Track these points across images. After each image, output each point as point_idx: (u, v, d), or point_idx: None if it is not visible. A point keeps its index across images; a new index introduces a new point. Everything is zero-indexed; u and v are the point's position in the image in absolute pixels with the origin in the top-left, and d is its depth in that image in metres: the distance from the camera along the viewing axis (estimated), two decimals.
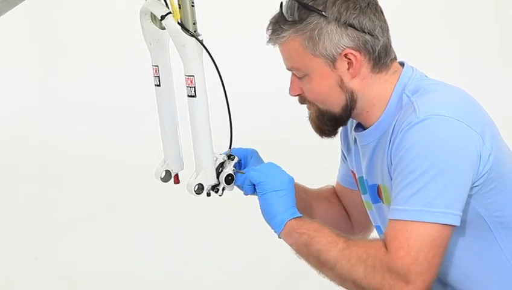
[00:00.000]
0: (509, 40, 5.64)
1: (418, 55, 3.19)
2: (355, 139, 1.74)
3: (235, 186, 1.72)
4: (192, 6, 1.61)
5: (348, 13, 1.58)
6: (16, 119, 5.27)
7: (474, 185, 1.55)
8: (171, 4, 1.59)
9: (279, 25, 1.60)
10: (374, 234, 1.84)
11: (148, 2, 1.65)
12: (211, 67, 1.63)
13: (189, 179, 1.68)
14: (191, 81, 1.61)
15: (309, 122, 1.70)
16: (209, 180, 1.68)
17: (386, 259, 1.48)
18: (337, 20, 1.58)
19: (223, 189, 1.71)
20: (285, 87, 1.68)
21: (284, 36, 1.60)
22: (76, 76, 5.60)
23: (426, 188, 1.49)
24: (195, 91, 1.62)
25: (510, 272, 1.63)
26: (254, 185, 1.66)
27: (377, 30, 1.60)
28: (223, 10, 5.41)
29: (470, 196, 1.56)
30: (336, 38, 1.58)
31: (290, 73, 1.67)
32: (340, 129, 1.73)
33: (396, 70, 1.65)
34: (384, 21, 1.63)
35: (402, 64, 1.68)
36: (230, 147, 1.73)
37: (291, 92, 1.67)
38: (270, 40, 1.63)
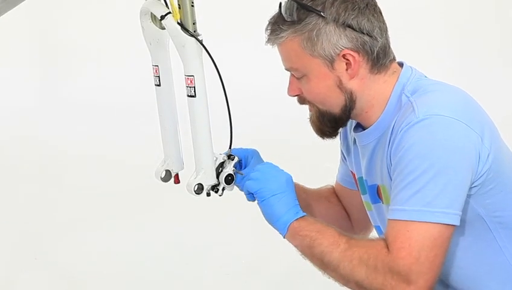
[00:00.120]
0: (509, 40, 5.64)
1: (418, 56, 3.19)
2: (354, 139, 1.74)
3: (235, 186, 1.72)
4: (192, 6, 1.61)
5: (347, 14, 1.58)
6: (15, 119, 5.27)
7: (473, 185, 1.55)
8: (170, 4, 1.59)
9: (277, 25, 1.61)
10: (374, 234, 1.84)
11: (148, 2, 1.65)
12: (211, 67, 1.63)
13: (189, 179, 1.68)
14: (191, 81, 1.61)
15: (310, 124, 1.70)
16: (209, 180, 1.68)
17: (388, 260, 1.49)
18: (336, 21, 1.58)
19: (223, 189, 1.71)
20: (285, 87, 1.68)
21: (282, 36, 1.60)
22: (76, 76, 5.60)
23: (426, 188, 1.49)
24: (195, 91, 1.62)
25: (510, 272, 1.63)
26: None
27: (375, 31, 1.60)
28: (223, 10, 5.41)
29: (469, 196, 1.56)
30: (334, 39, 1.58)
31: (289, 73, 1.67)
32: (340, 129, 1.73)
33: (395, 71, 1.65)
34: (383, 22, 1.63)
35: (401, 64, 1.68)
36: (230, 147, 1.73)
37: (290, 93, 1.67)
38: (268, 40, 1.63)
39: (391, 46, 1.65)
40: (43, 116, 5.32)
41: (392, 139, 1.58)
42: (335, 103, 1.63)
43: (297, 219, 1.62)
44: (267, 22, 1.63)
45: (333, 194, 1.94)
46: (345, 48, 1.59)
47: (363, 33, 1.59)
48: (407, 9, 5.43)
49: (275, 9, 1.62)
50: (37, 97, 5.53)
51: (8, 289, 3.32)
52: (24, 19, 5.32)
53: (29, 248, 3.62)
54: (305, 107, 1.70)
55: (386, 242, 1.51)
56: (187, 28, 1.59)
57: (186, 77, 1.61)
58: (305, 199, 1.83)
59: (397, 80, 1.64)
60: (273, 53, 1.68)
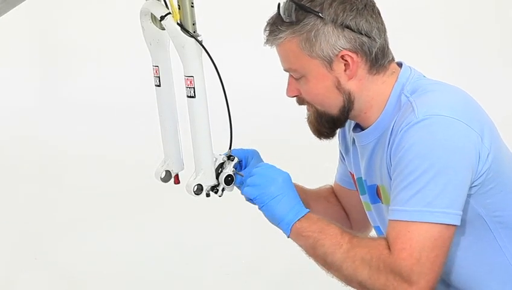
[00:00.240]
0: (509, 40, 5.64)
1: (417, 56, 3.19)
2: (353, 140, 1.74)
3: (234, 187, 1.72)
4: (192, 7, 1.61)
5: (345, 15, 1.58)
6: (16, 119, 5.27)
7: (473, 184, 1.55)
8: (170, 5, 1.59)
9: (276, 26, 1.61)
10: (373, 233, 1.84)
11: (148, 3, 1.65)
12: (211, 67, 1.63)
13: (188, 179, 1.68)
14: (191, 82, 1.61)
15: (307, 124, 1.70)
16: (209, 180, 1.68)
17: (390, 260, 1.49)
18: (334, 22, 1.58)
19: (223, 189, 1.71)
20: (284, 88, 1.68)
21: (281, 37, 1.60)
22: (76, 76, 5.60)
23: (426, 189, 1.49)
24: (194, 92, 1.61)
25: (510, 271, 1.63)
26: None
27: (374, 32, 1.60)
28: (223, 10, 5.41)
29: (469, 195, 1.56)
30: (333, 39, 1.58)
31: (288, 74, 1.67)
32: (338, 130, 1.73)
33: (394, 72, 1.65)
34: (382, 23, 1.63)
35: (400, 64, 1.68)
36: (230, 148, 1.73)
37: (289, 93, 1.67)
38: (267, 41, 1.63)
39: (390, 46, 1.65)
40: (43, 116, 5.32)
41: (391, 139, 1.58)
42: (333, 104, 1.63)
43: (299, 219, 1.61)
44: (266, 23, 1.63)
45: (332, 194, 1.94)
46: (344, 48, 1.59)
47: (362, 34, 1.59)
48: (407, 10, 5.43)
49: (274, 10, 1.62)
50: (37, 97, 5.53)
51: (8, 289, 3.32)
52: (24, 19, 5.32)
53: (29, 248, 3.62)
54: (305, 108, 1.70)
55: (387, 242, 1.51)
56: (187, 28, 1.59)
57: (186, 78, 1.61)
58: (304, 199, 1.82)
59: (396, 80, 1.64)
60: (272, 53, 1.68)
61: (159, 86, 1.73)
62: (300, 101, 1.68)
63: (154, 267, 3.40)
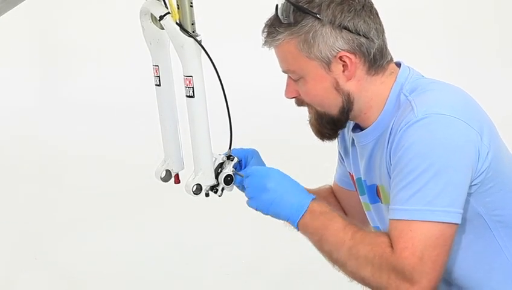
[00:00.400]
0: (508, 41, 5.64)
1: (416, 56, 3.19)
2: (353, 140, 1.74)
3: (234, 187, 1.72)
4: (191, 6, 1.61)
5: (343, 16, 1.58)
6: (16, 119, 5.28)
7: (473, 183, 1.55)
8: (169, 4, 1.59)
9: (274, 27, 1.61)
10: None
11: (147, 2, 1.65)
12: (211, 67, 1.63)
13: (187, 179, 1.69)
14: (190, 82, 1.61)
15: (309, 126, 1.70)
16: (208, 180, 1.68)
17: (392, 259, 1.49)
18: (332, 23, 1.58)
19: (222, 189, 1.71)
20: (284, 88, 1.68)
21: (279, 39, 1.60)
22: (76, 76, 5.61)
23: (426, 187, 1.49)
24: (193, 91, 1.61)
25: (510, 270, 1.63)
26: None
27: (372, 32, 1.60)
28: (222, 10, 5.41)
29: (469, 194, 1.56)
30: (331, 40, 1.58)
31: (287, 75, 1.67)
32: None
33: (392, 72, 1.65)
34: (380, 23, 1.63)
35: (398, 64, 1.68)
36: (230, 148, 1.73)
37: (287, 95, 1.67)
38: (265, 43, 1.63)
39: (389, 47, 1.65)
40: (43, 116, 5.32)
41: (391, 138, 1.58)
42: (333, 105, 1.64)
43: (303, 215, 1.60)
44: (264, 25, 1.63)
45: (331, 194, 1.94)
46: (342, 49, 1.59)
47: (360, 35, 1.59)
48: (405, 10, 5.44)
49: (273, 11, 1.62)
50: (37, 97, 5.53)
51: (8, 289, 3.32)
52: (24, 19, 5.32)
53: (29, 248, 3.62)
54: (305, 108, 1.70)
55: (390, 240, 1.51)
56: (186, 28, 1.59)
57: (185, 78, 1.61)
58: None
59: (395, 80, 1.64)
60: (272, 53, 1.68)
61: (159, 85, 1.73)
62: (299, 102, 1.68)
63: (154, 267, 3.40)
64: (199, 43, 1.60)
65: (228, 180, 1.70)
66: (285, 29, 1.59)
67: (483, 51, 5.55)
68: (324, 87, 1.62)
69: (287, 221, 1.63)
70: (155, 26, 1.67)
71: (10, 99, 5.45)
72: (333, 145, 1.85)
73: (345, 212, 1.93)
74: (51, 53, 5.74)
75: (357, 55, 1.60)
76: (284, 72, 1.66)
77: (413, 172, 1.50)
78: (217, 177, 1.69)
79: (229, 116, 1.68)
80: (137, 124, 5.00)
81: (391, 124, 1.60)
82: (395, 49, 1.70)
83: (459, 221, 1.51)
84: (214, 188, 1.70)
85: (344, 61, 1.60)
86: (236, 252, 3.50)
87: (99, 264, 3.45)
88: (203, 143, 1.66)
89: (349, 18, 1.58)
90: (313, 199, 1.61)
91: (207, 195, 1.70)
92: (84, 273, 3.39)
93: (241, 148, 1.76)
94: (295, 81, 1.64)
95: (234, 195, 1.77)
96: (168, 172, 1.77)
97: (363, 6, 1.60)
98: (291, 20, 1.59)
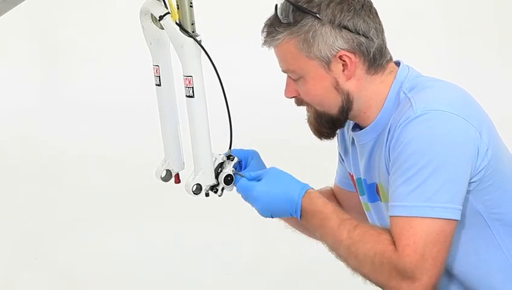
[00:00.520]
0: (508, 41, 5.64)
1: (416, 56, 3.19)
2: (353, 139, 1.75)
3: (234, 187, 1.72)
4: (191, 6, 1.61)
5: (342, 15, 1.58)
6: (16, 119, 5.27)
7: (472, 180, 1.55)
8: (169, 4, 1.59)
9: (273, 27, 1.61)
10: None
11: (147, 2, 1.65)
12: (211, 67, 1.63)
13: (187, 179, 1.69)
14: (189, 82, 1.61)
15: (307, 125, 1.70)
16: (208, 180, 1.68)
17: (394, 257, 1.49)
18: (332, 22, 1.58)
19: (222, 189, 1.71)
20: (284, 88, 1.68)
21: (278, 38, 1.61)
22: (76, 76, 5.60)
23: (426, 184, 1.49)
24: (193, 91, 1.62)
25: (509, 269, 1.63)
26: None
27: (371, 32, 1.61)
28: (222, 10, 5.41)
29: (468, 192, 1.56)
30: (330, 40, 1.59)
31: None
32: (338, 130, 1.73)
33: (392, 71, 1.66)
34: (379, 23, 1.63)
35: (398, 63, 1.68)
36: (230, 148, 1.73)
37: (287, 94, 1.68)
38: (265, 43, 1.64)
39: (389, 46, 1.66)
40: (43, 116, 5.32)
41: (390, 135, 1.58)
42: (332, 104, 1.64)
43: (301, 214, 1.60)
44: (263, 24, 1.64)
45: (332, 196, 1.94)
46: (341, 49, 1.59)
47: (359, 34, 1.59)
48: (405, 10, 5.43)
49: (272, 11, 1.63)
50: (37, 97, 5.52)
51: (8, 289, 3.32)
52: (24, 19, 5.31)
53: (29, 248, 3.62)
54: (305, 108, 1.70)
55: (391, 237, 1.51)
56: (185, 28, 1.60)
57: (185, 77, 1.62)
58: None
59: (395, 78, 1.64)
60: (272, 53, 1.68)
61: (159, 85, 1.73)
62: (299, 101, 1.68)
63: (154, 267, 3.40)
64: (199, 43, 1.60)
65: (228, 180, 1.70)
66: (284, 29, 1.60)
67: (483, 51, 5.54)
68: (324, 87, 1.62)
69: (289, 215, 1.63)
70: (155, 26, 1.67)
71: (10, 99, 5.44)
72: (333, 146, 1.85)
73: None
74: (51, 53, 5.73)
75: (357, 55, 1.60)
76: (284, 71, 1.66)
77: (412, 168, 1.50)
78: (217, 177, 1.69)
79: (229, 116, 1.68)
80: (137, 124, 4.99)
81: (390, 122, 1.60)
82: (395, 49, 1.70)
83: (458, 217, 1.51)
84: (214, 188, 1.70)
85: (344, 61, 1.60)
86: (236, 252, 3.50)
87: (99, 264, 3.45)
88: (203, 143, 1.66)
89: (348, 17, 1.59)
90: (303, 197, 1.61)
91: (207, 195, 1.70)
92: (84, 273, 3.39)
93: (241, 149, 1.76)
94: (295, 80, 1.65)
95: (234, 195, 1.77)
96: (168, 172, 1.77)
97: (362, 6, 1.61)
98: (291, 19, 1.59)
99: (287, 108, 1.89)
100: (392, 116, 1.60)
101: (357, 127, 1.71)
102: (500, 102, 4.72)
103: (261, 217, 1.68)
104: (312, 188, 1.63)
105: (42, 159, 4.76)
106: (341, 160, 1.88)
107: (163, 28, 1.64)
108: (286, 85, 1.67)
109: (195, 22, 1.61)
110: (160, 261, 3.44)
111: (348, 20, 1.59)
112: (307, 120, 1.70)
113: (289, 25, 1.59)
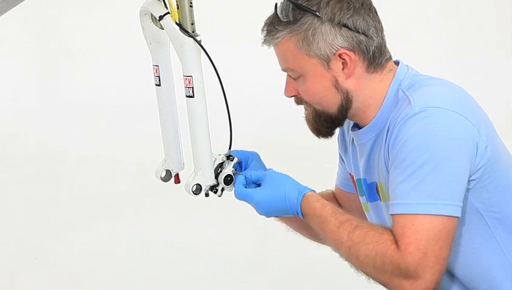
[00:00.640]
0: (508, 40, 5.64)
1: (417, 56, 3.19)
2: (352, 139, 1.74)
3: (233, 187, 1.72)
4: (191, 6, 1.61)
5: (342, 13, 1.58)
6: (16, 119, 5.27)
7: (471, 178, 1.55)
8: (169, 4, 1.59)
9: (273, 25, 1.61)
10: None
11: (147, 2, 1.65)
12: (211, 67, 1.63)
13: (187, 179, 1.68)
14: (189, 82, 1.61)
15: (305, 123, 1.70)
16: (207, 180, 1.68)
17: (397, 256, 1.48)
18: (331, 21, 1.58)
19: (222, 189, 1.71)
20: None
21: (278, 37, 1.60)
22: (76, 76, 5.60)
23: (426, 181, 1.49)
24: (193, 91, 1.61)
25: (509, 268, 1.63)
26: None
27: (371, 30, 1.61)
28: (223, 10, 5.41)
29: (467, 190, 1.56)
30: (330, 38, 1.59)
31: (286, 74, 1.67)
32: (337, 132, 1.73)
33: (391, 69, 1.66)
34: (379, 21, 1.63)
35: (397, 63, 1.68)
36: (230, 148, 1.73)
37: (287, 93, 1.67)
38: (265, 41, 1.64)
39: (388, 45, 1.65)
40: (43, 116, 5.32)
41: (389, 133, 1.58)
42: (332, 103, 1.64)
43: (301, 212, 1.61)
44: (263, 23, 1.64)
45: (333, 198, 1.93)
46: (341, 47, 1.59)
47: (359, 32, 1.59)
48: (406, 10, 5.44)
49: (272, 10, 1.63)
50: (37, 97, 5.53)
51: (8, 289, 3.32)
52: (24, 19, 5.32)
53: (29, 248, 3.62)
54: (304, 108, 1.70)
55: (393, 235, 1.51)
56: (185, 28, 1.59)
57: (185, 77, 1.61)
58: None
59: (394, 77, 1.64)
60: (272, 53, 1.68)
61: (159, 85, 1.73)
62: (299, 100, 1.68)
63: (154, 267, 3.40)
64: (199, 43, 1.60)
65: (228, 180, 1.69)
66: (284, 28, 1.60)
67: (483, 51, 5.55)
68: (323, 85, 1.62)
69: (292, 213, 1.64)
70: (155, 26, 1.67)
71: (10, 99, 5.44)
72: (333, 146, 1.85)
73: None
74: (51, 53, 5.73)
75: (356, 53, 1.60)
76: (284, 70, 1.66)
77: (412, 165, 1.50)
78: (216, 177, 1.69)
79: (229, 116, 1.68)
80: (137, 124, 5.00)
81: (389, 120, 1.60)
82: (395, 49, 1.70)
83: (459, 214, 1.51)
84: (213, 188, 1.70)
85: (343, 59, 1.60)
86: (237, 252, 3.50)
87: (99, 264, 3.45)
88: (203, 143, 1.66)
89: (348, 16, 1.59)
90: (301, 201, 1.61)
91: (207, 195, 1.70)
92: (84, 273, 3.39)
93: (242, 150, 1.76)
94: (295, 79, 1.64)
95: (234, 195, 1.77)
96: (168, 172, 1.77)
97: (362, 4, 1.60)
98: (291, 18, 1.59)
99: (287, 108, 1.89)
100: (391, 114, 1.60)
101: (357, 126, 1.71)
102: (500, 102, 4.73)
103: (261, 217, 1.68)
104: (312, 190, 1.63)
105: (42, 159, 4.76)
106: (341, 161, 1.87)
107: (163, 28, 1.63)
108: (286, 84, 1.67)
109: (195, 21, 1.61)
110: (160, 261, 3.44)
111: (347, 18, 1.59)
112: (304, 118, 1.70)
113: (289, 23, 1.59)
